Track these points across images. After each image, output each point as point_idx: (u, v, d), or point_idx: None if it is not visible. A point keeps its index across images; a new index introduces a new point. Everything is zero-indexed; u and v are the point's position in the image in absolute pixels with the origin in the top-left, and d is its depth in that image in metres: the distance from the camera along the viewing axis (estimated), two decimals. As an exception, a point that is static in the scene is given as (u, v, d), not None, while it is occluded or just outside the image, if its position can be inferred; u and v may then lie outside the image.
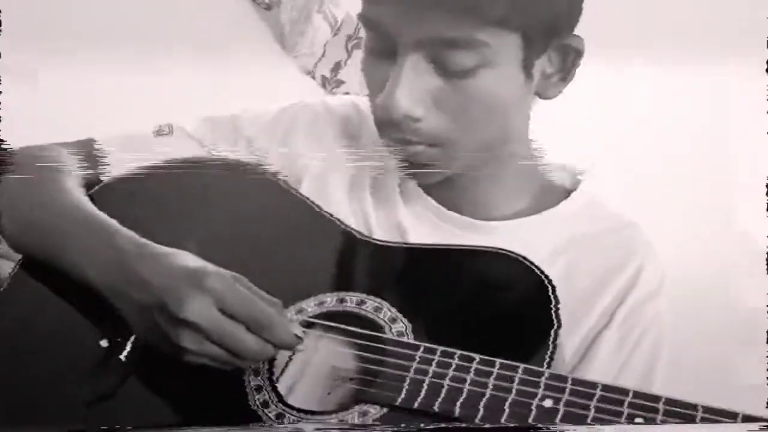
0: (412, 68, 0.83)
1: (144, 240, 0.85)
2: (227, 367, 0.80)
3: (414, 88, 0.83)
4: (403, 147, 0.87)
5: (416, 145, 0.87)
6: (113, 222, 0.88)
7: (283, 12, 1.96)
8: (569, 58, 0.88)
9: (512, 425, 0.73)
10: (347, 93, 1.92)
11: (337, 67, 1.94)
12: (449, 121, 0.85)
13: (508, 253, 0.85)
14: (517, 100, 0.88)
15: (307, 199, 0.96)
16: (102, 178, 0.99)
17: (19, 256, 0.95)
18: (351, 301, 0.86)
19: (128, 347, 0.84)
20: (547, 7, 0.82)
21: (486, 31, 0.80)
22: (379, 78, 0.85)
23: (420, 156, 0.88)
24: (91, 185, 0.98)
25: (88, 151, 1.01)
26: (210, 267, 0.80)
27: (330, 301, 0.86)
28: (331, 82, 1.95)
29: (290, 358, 0.83)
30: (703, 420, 0.69)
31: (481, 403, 0.74)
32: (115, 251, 0.84)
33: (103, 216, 0.89)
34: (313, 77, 1.96)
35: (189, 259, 0.81)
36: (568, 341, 0.87)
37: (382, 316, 0.83)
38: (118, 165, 1.00)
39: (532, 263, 0.83)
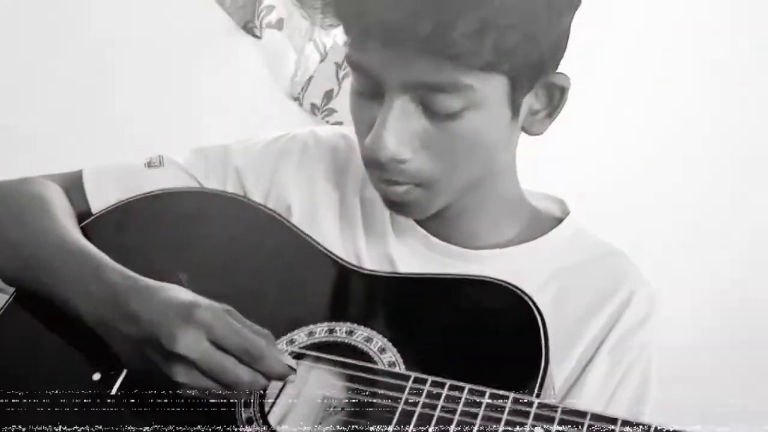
0: (399, 110, 0.84)
1: (133, 273, 0.86)
2: (220, 399, 0.81)
3: (401, 131, 0.85)
4: (389, 187, 0.89)
5: (403, 185, 0.89)
6: (102, 255, 0.89)
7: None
8: (555, 96, 0.90)
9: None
10: (340, 122, 1.94)
11: (328, 96, 1.97)
12: (436, 162, 0.87)
13: (498, 282, 0.86)
14: (504, 138, 0.90)
15: (297, 229, 0.98)
16: (92, 208, 1.01)
17: (11, 290, 0.96)
18: (340, 331, 0.87)
19: (119, 381, 0.85)
20: (532, 50, 0.83)
21: (471, 76, 0.82)
22: (367, 118, 0.87)
23: (406, 196, 0.89)
24: (82, 217, 0.99)
25: (78, 183, 1.02)
26: (201, 300, 0.81)
27: (320, 331, 0.87)
28: (321, 110, 1.97)
29: (281, 390, 0.84)
30: (692, 448, 0.70)
31: (472, 433, 0.75)
32: (104, 285, 0.85)
33: (92, 249, 0.90)
34: (300, 104, 1.98)
35: (180, 293, 0.83)
36: (558, 370, 0.89)
37: (372, 346, 0.85)
38: (107, 196, 1.01)
39: (522, 292, 0.84)
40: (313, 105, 1.98)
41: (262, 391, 0.83)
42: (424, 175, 0.88)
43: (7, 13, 1.83)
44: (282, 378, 0.82)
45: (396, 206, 0.92)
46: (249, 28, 1.97)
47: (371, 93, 0.86)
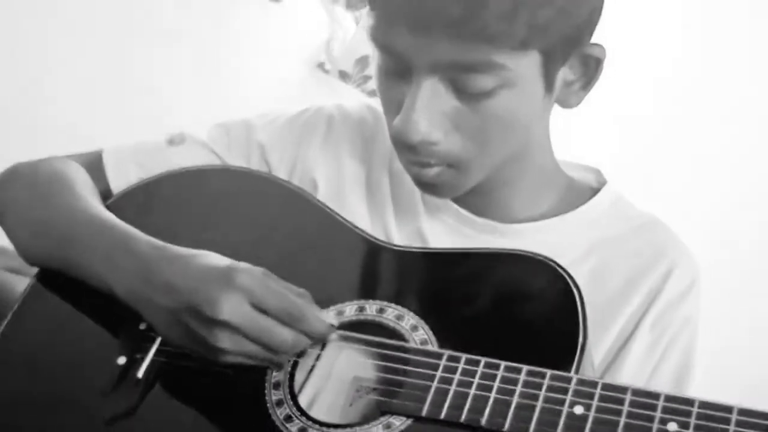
0: (428, 91, 0.84)
1: (162, 243, 0.87)
2: (264, 363, 0.83)
3: (431, 112, 0.85)
4: (421, 169, 0.90)
5: (434, 167, 0.89)
6: (130, 228, 0.91)
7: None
8: (590, 67, 0.89)
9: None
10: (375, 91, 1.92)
11: (363, 63, 1.94)
12: (468, 142, 0.87)
13: (534, 256, 0.86)
14: (537, 113, 0.90)
15: (324, 206, 0.98)
16: (112, 188, 1.02)
17: (34, 272, 0.98)
18: (371, 309, 0.87)
19: (145, 364, 0.86)
20: (566, 23, 0.83)
21: (504, 55, 0.81)
22: (395, 98, 0.87)
23: (438, 177, 0.90)
24: (103, 196, 1.00)
25: (98, 163, 1.03)
26: (238, 264, 0.83)
27: (350, 310, 0.88)
28: (355, 78, 1.94)
29: (311, 370, 0.85)
30: (739, 424, 0.70)
31: (509, 412, 0.75)
32: (135, 257, 0.87)
33: (119, 222, 0.92)
34: (328, 71, 1.96)
35: (215, 258, 0.84)
36: (597, 346, 0.89)
37: (403, 324, 0.85)
38: (128, 176, 1.02)
39: (558, 266, 0.84)
40: (342, 72, 1.95)
41: (291, 371, 0.84)
42: (456, 156, 0.88)
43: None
44: (323, 337, 0.84)
45: (427, 187, 0.93)
46: None
47: (399, 72, 0.86)
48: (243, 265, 0.83)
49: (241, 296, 0.80)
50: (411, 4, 0.80)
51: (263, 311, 0.81)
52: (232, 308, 0.80)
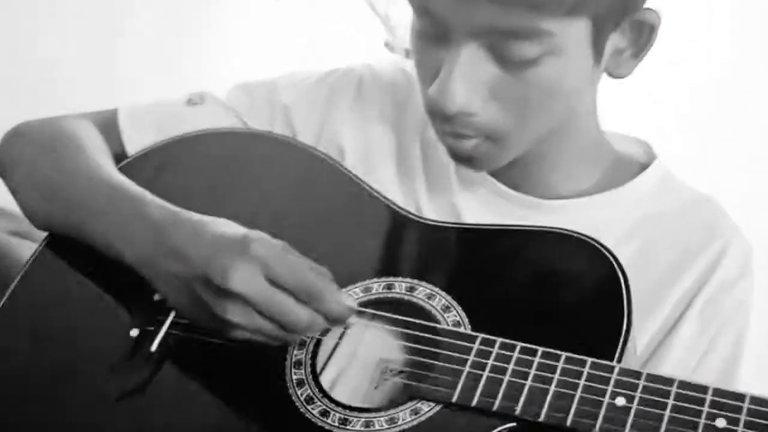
0: (468, 58, 0.81)
1: (176, 208, 0.85)
2: (275, 342, 0.80)
3: (470, 81, 0.81)
4: (456, 140, 0.86)
5: (471, 138, 0.86)
6: (143, 191, 0.88)
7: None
8: (644, 34, 0.85)
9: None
10: None
11: None
12: (508, 113, 0.84)
13: (576, 235, 0.83)
14: (584, 83, 0.86)
15: (352, 174, 0.95)
16: (127, 150, 0.99)
17: (42, 237, 0.95)
18: (400, 287, 0.85)
19: (159, 337, 0.83)
20: None
21: (551, 21, 0.78)
22: (432, 65, 0.84)
23: (475, 150, 0.86)
24: (117, 159, 0.97)
25: (112, 123, 1.00)
26: (255, 233, 0.80)
27: (377, 287, 0.85)
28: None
29: (334, 349, 0.82)
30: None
31: (546, 401, 0.73)
32: (147, 222, 0.84)
33: (131, 185, 0.89)
34: (389, 47, 1.94)
35: (231, 226, 0.81)
36: (641, 333, 0.86)
37: (435, 304, 0.82)
38: (144, 137, 0.99)
39: (602, 246, 0.81)
40: (408, 50, 1.94)
41: (314, 350, 0.82)
42: (494, 127, 0.84)
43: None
44: (342, 320, 0.81)
45: (463, 160, 0.89)
46: None
47: (437, 37, 0.82)
48: (260, 234, 0.80)
49: (256, 267, 0.77)
50: None
51: (279, 286, 0.78)
52: (244, 279, 0.77)
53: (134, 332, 0.85)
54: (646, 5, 0.85)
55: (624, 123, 1.00)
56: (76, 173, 0.92)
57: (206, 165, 0.99)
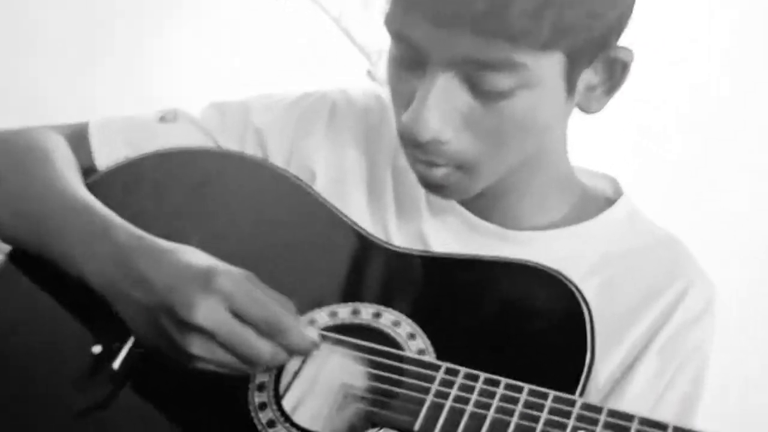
0: (443, 87, 0.81)
1: (143, 233, 0.84)
2: (237, 373, 0.79)
3: (444, 109, 0.81)
4: (428, 169, 0.86)
5: (442, 167, 0.86)
6: (110, 213, 0.87)
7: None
8: (616, 71, 0.86)
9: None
10: None
11: (381, 55, 1.93)
12: (480, 143, 0.84)
13: (542, 268, 0.83)
14: (556, 117, 0.87)
15: (322, 198, 0.95)
16: (97, 165, 0.98)
17: (6, 248, 0.94)
18: (366, 312, 0.84)
19: (122, 355, 0.82)
20: (594, 26, 0.79)
21: (526, 54, 0.78)
22: (406, 91, 0.84)
23: (446, 179, 0.86)
24: (86, 173, 0.96)
25: (83, 136, 0.99)
26: (220, 266, 0.79)
27: (343, 312, 0.85)
28: (375, 69, 1.93)
29: (297, 373, 0.81)
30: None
31: (507, 433, 0.72)
32: (112, 245, 0.83)
33: (98, 205, 0.88)
34: (370, 76, 1.95)
35: (196, 257, 0.81)
36: (602, 366, 0.85)
37: (400, 331, 0.82)
38: (115, 152, 0.98)
39: (567, 279, 0.82)
40: (369, 72, 1.95)
41: (277, 373, 0.81)
42: (466, 157, 0.84)
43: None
44: (304, 353, 0.80)
45: (434, 188, 0.89)
46: None
47: (412, 64, 0.82)
48: (224, 266, 0.79)
49: (219, 301, 0.77)
50: None
51: (242, 319, 0.77)
52: (207, 313, 0.76)
53: (97, 349, 0.84)
54: (620, 43, 0.85)
55: (593, 158, 1.01)
56: (43, 189, 0.91)
57: (176, 183, 0.98)
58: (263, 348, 0.78)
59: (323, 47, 1.97)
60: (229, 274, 0.78)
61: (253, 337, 0.78)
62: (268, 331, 0.78)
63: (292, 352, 0.79)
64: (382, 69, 1.93)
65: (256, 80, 1.87)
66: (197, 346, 0.77)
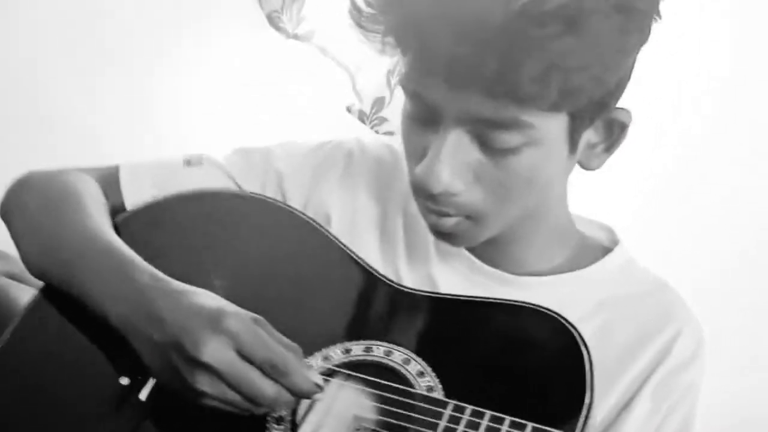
0: (454, 143, 0.84)
1: (163, 276, 0.87)
2: (244, 413, 0.81)
3: (455, 163, 0.85)
4: (439, 219, 0.90)
5: (452, 217, 0.89)
6: (133, 254, 0.90)
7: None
8: (615, 131, 0.90)
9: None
10: (392, 132, 1.92)
11: (379, 104, 1.95)
12: (488, 196, 0.87)
13: (543, 310, 0.86)
14: (559, 173, 0.91)
15: (338, 240, 0.98)
16: (126, 205, 1.02)
17: (35, 281, 0.97)
18: (378, 350, 0.87)
19: (149, 386, 0.85)
20: (597, 89, 0.83)
21: (533, 115, 0.82)
22: (419, 144, 0.87)
23: (455, 228, 0.90)
24: (114, 214, 1.00)
25: (114, 179, 1.03)
26: (229, 307, 0.82)
27: (356, 349, 0.88)
28: (371, 119, 1.95)
29: (311, 406, 0.84)
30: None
31: (511, 469, 0.75)
32: (132, 285, 0.86)
33: (123, 247, 0.91)
34: (349, 111, 1.97)
35: (208, 299, 0.83)
36: (598, 406, 0.88)
37: (410, 369, 0.85)
38: (143, 193, 1.02)
39: (567, 322, 0.85)
40: (361, 112, 1.97)
41: (293, 407, 0.84)
42: (475, 208, 0.88)
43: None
44: (308, 396, 0.82)
45: (443, 236, 0.93)
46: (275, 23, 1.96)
47: (426, 120, 0.86)
48: (233, 308, 0.82)
49: (226, 341, 0.79)
50: (447, 57, 0.80)
51: (249, 360, 0.80)
52: (214, 352, 0.78)
53: (124, 380, 0.86)
54: (619, 104, 0.89)
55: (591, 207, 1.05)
56: (73, 231, 0.93)
57: (197, 223, 1.01)
58: (267, 388, 0.80)
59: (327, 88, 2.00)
60: (238, 316, 0.81)
61: (257, 377, 0.80)
62: (272, 372, 0.80)
63: (295, 393, 0.81)
64: (363, 104, 1.97)
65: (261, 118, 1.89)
66: (204, 384, 0.79)
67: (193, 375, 0.79)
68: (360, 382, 0.85)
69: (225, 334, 0.79)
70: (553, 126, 0.84)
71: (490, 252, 0.97)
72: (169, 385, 0.83)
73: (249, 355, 0.80)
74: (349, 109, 1.96)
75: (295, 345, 0.83)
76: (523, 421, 0.77)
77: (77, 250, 0.92)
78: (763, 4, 1.79)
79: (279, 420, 0.84)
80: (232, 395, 0.80)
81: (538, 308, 0.87)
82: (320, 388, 0.82)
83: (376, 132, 1.94)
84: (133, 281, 0.86)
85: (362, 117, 1.95)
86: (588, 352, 0.82)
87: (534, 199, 0.90)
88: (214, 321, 0.80)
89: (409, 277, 0.98)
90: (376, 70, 1.91)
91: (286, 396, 0.81)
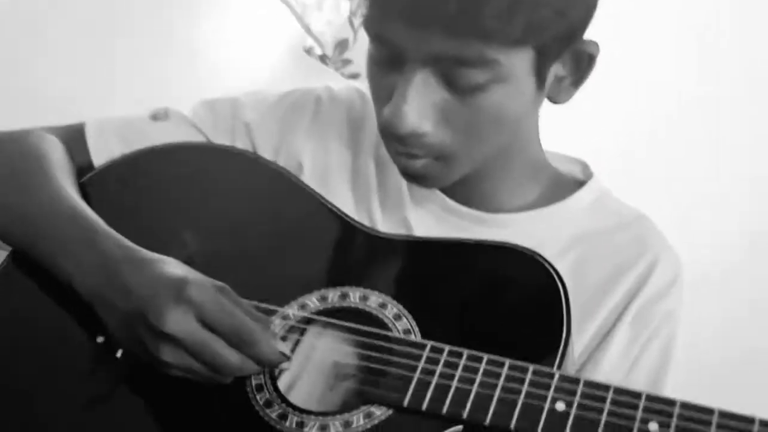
0: (420, 83, 0.83)
1: (128, 243, 0.85)
2: (208, 381, 0.80)
3: (422, 104, 0.84)
4: (408, 160, 0.89)
5: (422, 158, 0.88)
6: (98, 220, 0.88)
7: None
8: (582, 64, 0.89)
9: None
10: (357, 74, 1.90)
11: (342, 45, 1.93)
12: (457, 135, 0.86)
13: (520, 249, 0.86)
14: (528, 108, 0.89)
15: (309, 188, 0.97)
16: (95, 163, 1.00)
17: (9, 248, 0.95)
18: (354, 296, 0.86)
19: None
20: (562, 22, 0.82)
21: (498, 51, 0.81)
22: (385, 87, 0.86)
23: (425, 169, 0.89)
24: (82, 172, 0.98)
25: (79, 136, 1.01)
26: (192, 276, 0.80)
27: (332, 296, 0.87)
28: (334, 61, 1.93)
29: (290, 356, 0.83)
30: (719, 426, 0.70)
31: (491, 406, 0.75)
32: (97, 253, 0.85)
33: (87, 212, 0.89)
34: (308, 53, 1.95)
35: (172, 267, 0.81)
36: (577, 339, 0.89)
37: (386, 313, 0.84)
38: (111, 150, 1.00)
39: (544, 260, 0.84)
40: (323, 56, 1.95)
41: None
42: (444, 148, 0.87)
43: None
44: (275, 365, 0.81)
45: (414, 178, 0.92)
46: None
47: (391, 62, 0.85)
48: (197, 277, 0.80)
49: (189, 310, 0.78)
50: None
51: (213, 329, 0.78)
52: (177, 321, 0.77)
53: (100, 339, 0.85)
54: (586, 36, 0.88)
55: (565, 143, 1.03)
56: (36, 195, 0.92)
57: (167, 178, 0.99)
58: (230, 357, 0.79)
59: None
60: (201, 285, 0.79)
61: (220, 347, 0.78)
62: (236, 341, 0.78)
63: (261, 363, 0.80)
64: (323, 47, 1.95)
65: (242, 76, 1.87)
66: (167, 353, 0.78)
67: (156, 345, 0.78)
68: (337, 329, 0.84)
69: (188, 303, 0.78)
70: (518, 61, 0.83)
71: (464, 191, 0.96)
72: (135, 353, 0.82)
73: (213, 325, 0.78)
74: (308, 51, 1.94)
75: (260, 314, 0.82)
76: (501, 358, 0.77)
77: (40, 213, 0.90)
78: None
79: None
80: (195, 365, 0.79)
81: (514, 246, 0.86)
82: (287, 357, 0.81)
83: (341, 74, 1.92)
84: (98, 249, 0.85)
85: (324, 60, 1.93)
86: (564, 288, 0.82)
87: (504, 136, 0.89)
88: (176, 290, 0.78)
89: (383, 222, 0.97)
90: (335, 11, 1.90)
91: (251, 366, 0.80)
